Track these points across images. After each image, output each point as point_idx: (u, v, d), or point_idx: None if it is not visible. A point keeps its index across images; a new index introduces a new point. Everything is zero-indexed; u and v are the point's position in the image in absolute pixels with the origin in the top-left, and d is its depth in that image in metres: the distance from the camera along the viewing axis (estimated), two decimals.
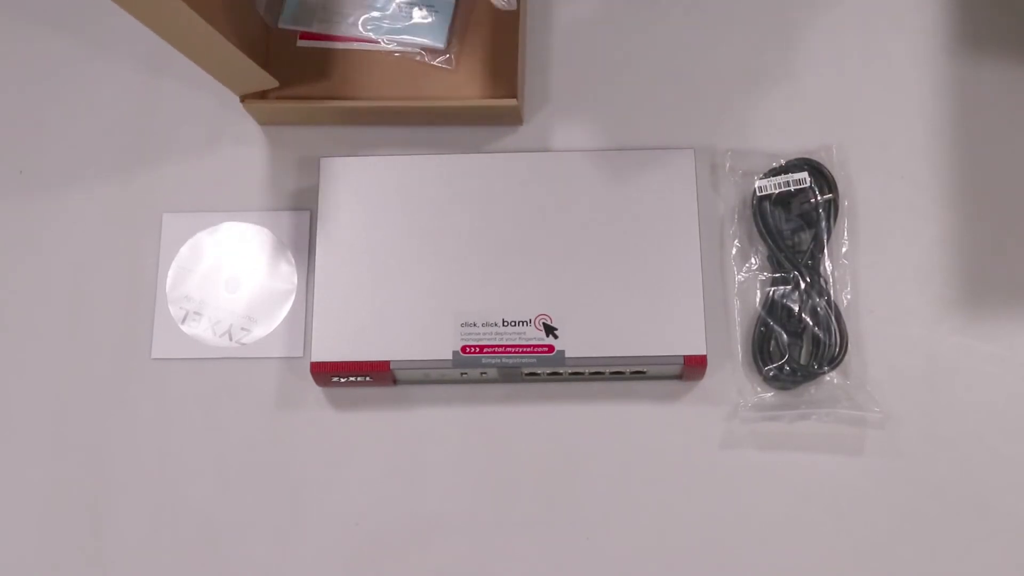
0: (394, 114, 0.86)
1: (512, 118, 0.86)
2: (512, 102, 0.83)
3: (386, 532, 0.79)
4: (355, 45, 0.87)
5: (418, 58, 0.86)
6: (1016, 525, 0.78)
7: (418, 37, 0.86)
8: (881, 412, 0.79)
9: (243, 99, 0.85)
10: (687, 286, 0.78)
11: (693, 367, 0.77)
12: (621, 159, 0.82)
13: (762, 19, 0.89)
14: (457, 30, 0.86)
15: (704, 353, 0.77)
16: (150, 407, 0.82)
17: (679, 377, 0.80)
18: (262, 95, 0.85)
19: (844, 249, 0.82)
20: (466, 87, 0.85)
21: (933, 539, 0.78)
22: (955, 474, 0.79)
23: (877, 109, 0.86)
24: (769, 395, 0.80)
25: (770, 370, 0.79)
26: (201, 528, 0.80)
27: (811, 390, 0.80)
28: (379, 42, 0.86)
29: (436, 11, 0.86)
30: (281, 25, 0.87)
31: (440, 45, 0.86)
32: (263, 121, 0.87)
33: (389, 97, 0.85)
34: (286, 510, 0.80)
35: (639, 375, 0.80)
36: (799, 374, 0.79)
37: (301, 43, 0.87)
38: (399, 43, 0.86)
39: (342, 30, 0.87)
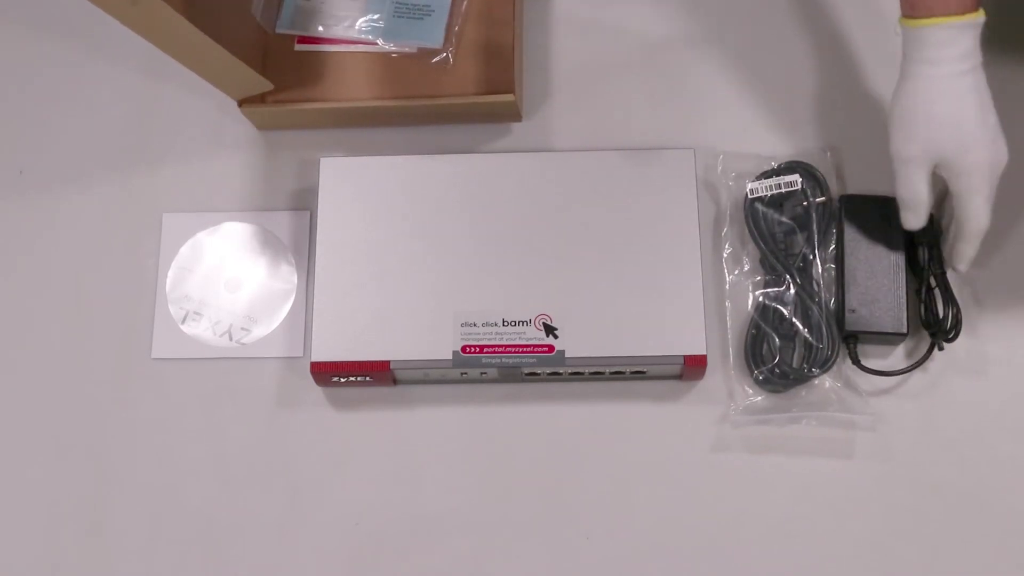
0: (393, 114, 0.86)
1: (510, 114, 0.86)
2: (509, 97, 0.83)
3: (386, 532, 0.79)
4: (352, 47, 0.87)
5: (415, 58, 0.86)
6: (1012, 526, 0.78)
7: (415, 38, 0.86)
8: (872, 415, 0.79)
9: (241, 104, 0.85)
10: (687, 286, 0.78)
11: (693, 367, 0.77)
12: (621, 159, 0.82)
13: (760, 20, 0.89)
14: (454, 29, 0.86)
15: (704, 353, 0.77)
16: (150, 407, 0.82)
17: (679, 377, 0.80)
18: (260, 99, 0.85)
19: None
20: (464, 85, 0.85)
21: (924, 541, 0.78)
22: (947, 476, 0.79)
23: (874, 110, 0.86)
24: (760, 398, 0.80)
25: (761, 373, 0.79)
26: (201, 528, 0.80)
27: (803, 393, 0.80)
28: (376, 44, 0.86)
29: (432, 11, 0.87)
30: (279, 30, 0.87)
31: (437, 45, 0.86)
32: (261, 125, 0.87)
33: (388, 98, 0.85)
34: (286, 510, 0.80)
35: (639, 375, 0.80)
36: (791, 377, 0.79)
37: (299, 47, 0.87)
38: (396, 44, 0.86)
39: (339, 33, 0.87)
